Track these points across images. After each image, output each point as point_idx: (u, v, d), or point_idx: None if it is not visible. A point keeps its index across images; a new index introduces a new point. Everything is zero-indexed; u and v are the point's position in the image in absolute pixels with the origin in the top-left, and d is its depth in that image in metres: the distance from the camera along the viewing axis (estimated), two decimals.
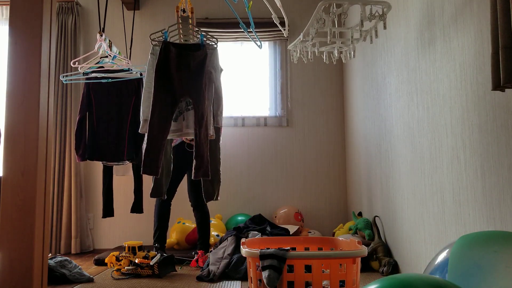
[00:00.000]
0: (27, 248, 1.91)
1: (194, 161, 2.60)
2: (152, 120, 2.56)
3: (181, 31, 2.90)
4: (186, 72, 2.67)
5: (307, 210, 4.19)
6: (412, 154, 2.45)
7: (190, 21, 2.88)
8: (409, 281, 0.95)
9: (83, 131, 3.10)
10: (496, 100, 1.64)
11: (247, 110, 4.31)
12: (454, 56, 1.97)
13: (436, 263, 1.22)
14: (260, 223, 3.34)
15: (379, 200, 3.10)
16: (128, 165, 3.31)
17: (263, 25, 4.13)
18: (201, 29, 2.89)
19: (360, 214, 3.59)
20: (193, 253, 3.15)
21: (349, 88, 4.04)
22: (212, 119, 2.74)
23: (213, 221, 3.80)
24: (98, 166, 4.03)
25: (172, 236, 3.67)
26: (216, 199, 3.15)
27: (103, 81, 3.08)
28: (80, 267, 2.76)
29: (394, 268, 2.68)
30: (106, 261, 3.00)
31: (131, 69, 3.08)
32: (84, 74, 3.08)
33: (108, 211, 3.21)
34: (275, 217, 3.95)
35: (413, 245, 2.47)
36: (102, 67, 3.08)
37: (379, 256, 2.80)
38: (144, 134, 2.59)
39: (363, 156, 3.56)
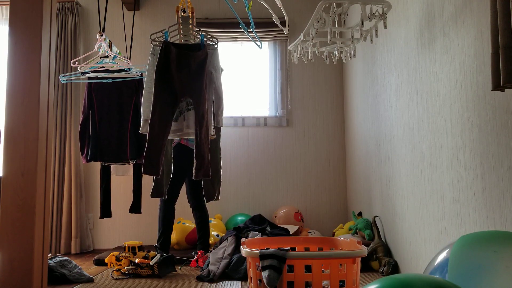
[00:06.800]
0: (27, 248, 1.91)
1: (194, 161, 2.60)
2: (153, 120, 2.56)
3: (181, 31, 2.90)
4: (187, 72, 2.67)
5: (307, 210, 4.19)
6: (412, 154, 2.45)
7: (190, 21, 2.89)
8: (409, 281, 0.94)
9: (87, 132, 3.10)
10: (496, 100, 1.64)
11: (247, 110, 4.31)
12: (454, 56, 1.97)
13: (436, 263, 1.22)
14: (260, 223, 3.34)
15: (379, 200, 3.10)
16: (128, 165, 3.31)
17: (263, 25, 4.13)
18: (201, 29, 2.89)
19: (360, 214, 3.59)
20: (193, 253, 3.15)
21: (349, 88, 4.04)
22: (212, 119, 2.74)
23: (213, 221, 3.80)
24: (98, 166, 4.02)
25: (172, 236, 3.66)
26: (217, 199, 3.16)
27: (103, 81, 3.09)
28: (80, 267, 2.76)
29: (394, 268, 2.68)
30: (106, 261, 3.00)
31: (131, 69, 3.08)
32: (83, 74, 3.08)
33: (106, 211, 3.20)
34: (275, 217, 3.95)
35: (413, 245, 2.47)
36: (103, 67, 3.08)
37: (379, 256, 2.80)
38: (146, 134, 2.59)
39: (363, 156, 3.56)
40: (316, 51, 2.74)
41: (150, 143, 2.54)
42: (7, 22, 2.08)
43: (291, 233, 3.38)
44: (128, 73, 3.09)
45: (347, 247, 2.35)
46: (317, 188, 4.23)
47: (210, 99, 2.73)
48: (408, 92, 2.52)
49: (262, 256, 2.02)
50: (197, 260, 3.01)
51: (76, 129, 3.95)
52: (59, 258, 2.72)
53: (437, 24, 2.13)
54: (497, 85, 1.30)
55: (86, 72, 3.08)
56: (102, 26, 3.29)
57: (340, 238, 2.48)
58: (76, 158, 3.96)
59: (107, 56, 3.02)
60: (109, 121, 3.10)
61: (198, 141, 2.61)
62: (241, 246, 2.18)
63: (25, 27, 2.00)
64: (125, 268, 2.79)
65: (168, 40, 2.67)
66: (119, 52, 3.11)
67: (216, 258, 2.84)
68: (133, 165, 3.23)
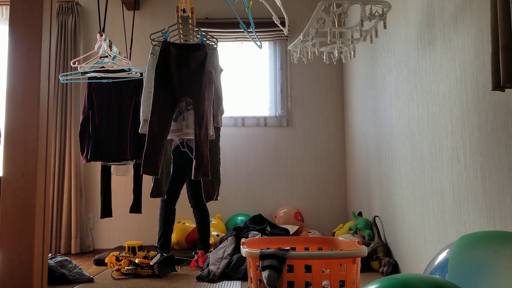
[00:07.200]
0: (27, 248, 1.91)
1: (194, 161, 2.60)
2: (152, 120, 2.56)
3: (181, 31, 2.90)
4: (186, 72, 2.67)
5: (307, 210, 4.19)
6: (412, 154, 2.45)
7: (190, 21, 2.89)
8: (409, 281, 0.95)
9: (87, 132, 3.10)
10: (496, 100, 1.64)
11: (247, 110, 4.31)
12: (454, 56, 1.97)
13: (436, 263, 1.22)
14: (260, 223, 3.34)
15: (379, 200, 3.10)
16: (129, 165, 3.31)
17: (263, 25, 4.13)
18: (201, 29, 2.89)
19: (360, 214, 3.59)
20: (193, 253, 3.15)
21: (349, 88, 4.04)
22: (212, 119, 2.74)
23: (213, 221, 3.80)
24: (98, 166, 4.02)
25: (172, 236, 3.66)
26: (216, 199, 3.16)
27: (103, 81, 3.09)
28: (80, 267, 2.76)
29: (394, 268, 2.68)
30: (106, 261, 3.00)
31: (131, 69, 3.08)
32: (83, 73, 3.08)
33: (107, 211, 3.20)
34: (275, 217, 3.95)
35: (413, 245, 2.47)
36: (103, 67, 3.08)
37: (379, 256, 2.80)
38: (145, 134, 2.59)
39: (363, 156, 3.56)
40: (316, 51, 2.74)
41: (150, 143, 2.54)
42: (7, 22, 2.08)
43: (291, 233, 3.38)
44: (128, 73, 3.09)
45: (347, 247, 2.35)
46: (317, 188, 4.23)
47: (210, 99, 2.73)
48: (408, 92, 2.52)
49: (262, 256, 2.02)
50: (197, 260, 3.01)
51: (76, 129, 3.95)
52: (59, 258, 2.72)
53: (437, 24, 2.13)
54: (497, 85, 1.30)
55: (86, 72, 3.08)
56: (102, 26, 3.29)
57: (340, 238, 2.48)
58: (76, 158, 3.96)
59: (107, 56, 3.02)
60: (109, 121, 3.10)
61: (197, 141, 2.61)
62: (241, 246, 2.18)
63: (25, 27, 2.00)
64: (125, 268, 2.79)
65: (168, 40, 2.67)
66: (119, 52, 3.11)
67: (216, 258, 2.84)
68: (133, 165, 3.23)
